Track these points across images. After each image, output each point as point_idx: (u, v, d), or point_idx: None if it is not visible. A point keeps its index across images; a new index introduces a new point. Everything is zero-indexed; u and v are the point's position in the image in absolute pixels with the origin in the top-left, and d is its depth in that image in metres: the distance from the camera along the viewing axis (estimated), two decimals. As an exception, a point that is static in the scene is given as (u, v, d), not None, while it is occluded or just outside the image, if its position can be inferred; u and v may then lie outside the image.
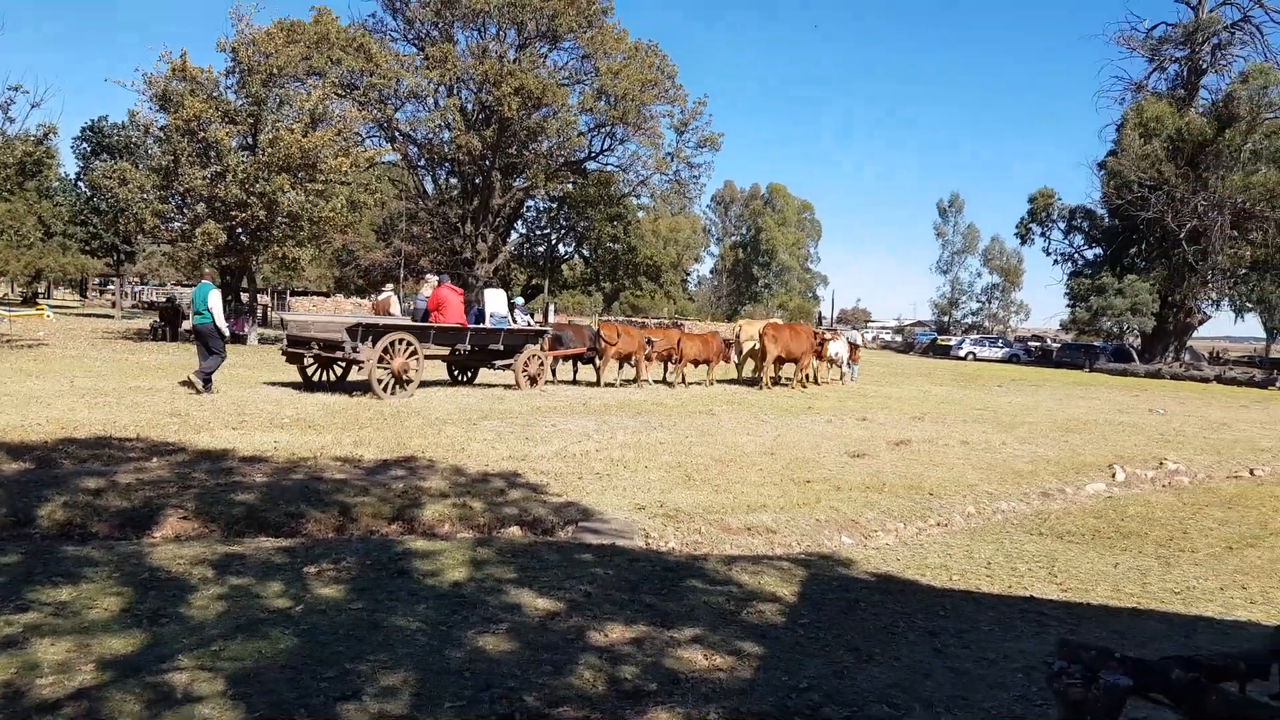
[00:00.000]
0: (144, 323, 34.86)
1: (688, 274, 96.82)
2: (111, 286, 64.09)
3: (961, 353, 57.19)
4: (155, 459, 8.36)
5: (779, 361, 22.52)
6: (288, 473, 8.11)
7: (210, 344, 14.32)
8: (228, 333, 14.59)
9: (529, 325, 18.81)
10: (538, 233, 55.12)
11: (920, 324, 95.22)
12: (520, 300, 20.18)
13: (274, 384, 15.91)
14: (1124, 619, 5.86)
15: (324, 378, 16.34)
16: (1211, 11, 48.55)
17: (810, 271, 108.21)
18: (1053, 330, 75.98)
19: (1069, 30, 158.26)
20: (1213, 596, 6.57)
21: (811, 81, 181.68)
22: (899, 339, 75.79)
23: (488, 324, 17.57)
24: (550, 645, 4.33)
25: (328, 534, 6.71)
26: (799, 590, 5.66)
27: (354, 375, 16.42)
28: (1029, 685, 4.34)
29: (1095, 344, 52.00)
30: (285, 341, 15.81)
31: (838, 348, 25.63)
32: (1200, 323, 50.66)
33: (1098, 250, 52.84)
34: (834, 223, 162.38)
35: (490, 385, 18.27)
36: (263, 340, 28.18)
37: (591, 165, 44.69)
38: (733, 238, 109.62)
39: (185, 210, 27.01)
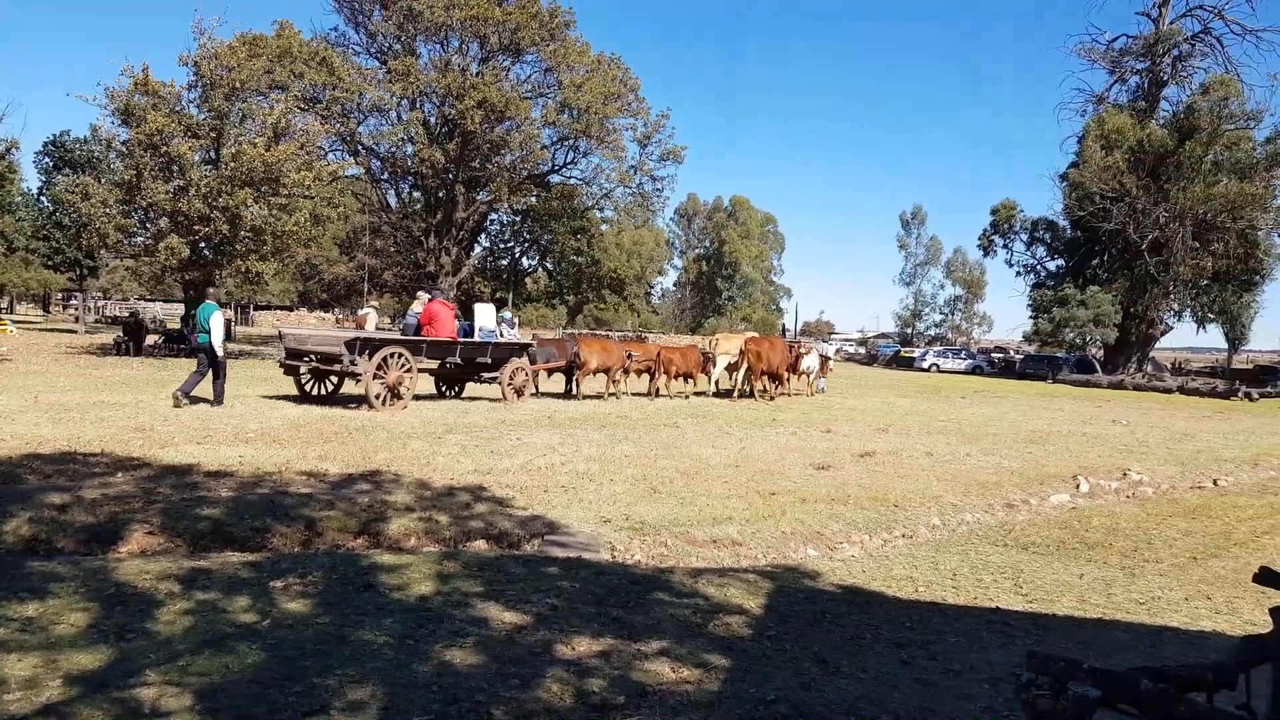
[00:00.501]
0: (107, 337, 34.40)
1: (651, 287, 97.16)
2: (75, 301, 63.14)
3: (925, 364, 57.77)
4: (121, 474, 8.29)
5: (762, 375, 22.99)
6: (253, 487, 8.07)
7: (203, 362, 14.95)
8: (221, 353, 15.01)
9: (515, 339, 19.33)
10: (501, 246, 54.99)
11: (884, 336, 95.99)
12: (508, 314, 20.65)
13: (246, 397, 15.79)
14: (1090, 630, 5.97)
15: (318, 391, 16.87)
16: (1172, 23, 49.38)
17: (774, 284, 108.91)
18: (1016, 342, 76.90)
19: (1031, 42, 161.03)
20: (1178, 607, 6.69)
21: (775, 94, 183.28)
22: (862, 351, 76.48)
23: (476, 338, 18.06)
24: (517, 659, 4.37)
25: (293, 548, 6.69)
26: (765, 602, 5.73)
27: (345, 388, 17.03)
28: (996, 696, 4.43)
29: (1058, 355, 52.68)
30: (283, 354, 16.33)
31: (810, 361, 26.09)
32: (1163, 333, 51.46)
33: (1060, 262, 53.63)
34: (797, 236, 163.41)
35: (456, 399, 18.25)
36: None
37: (555, 178, 44.76)
38: (696, 250, 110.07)
39: (148, 225, 26.76)
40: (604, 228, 59.92)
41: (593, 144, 41.24)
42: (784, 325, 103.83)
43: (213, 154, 26.62)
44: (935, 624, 5.74)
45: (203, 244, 26.44)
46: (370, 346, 15.43)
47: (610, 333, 71.44)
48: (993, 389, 36.85)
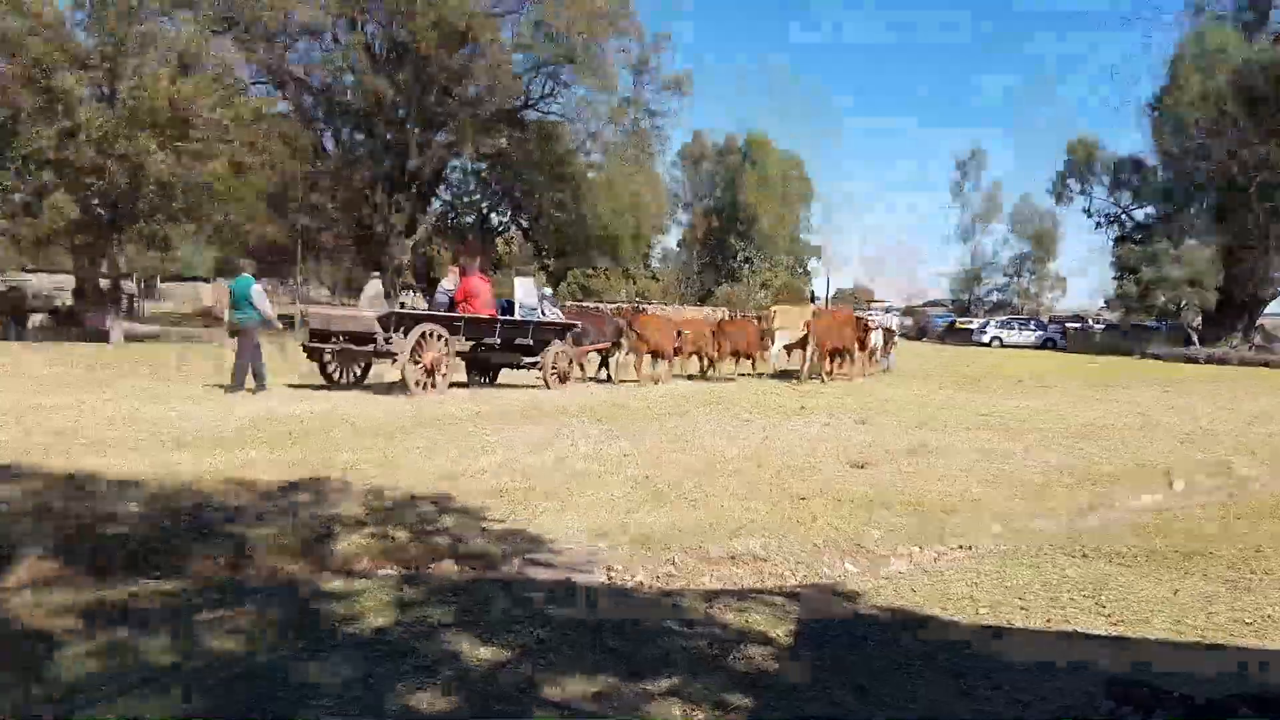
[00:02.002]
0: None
1: (651, 247, 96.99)
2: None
3: (985, 338, 57.92)
4: (7, 485, 8.32)
5: (830, 355, 24.32)
6: (174, 500, 8.13)
7: (245, 344, 16.41)
8: (278, 325, 16.55)
9: (557, 318, 20.80)
10: (465, 200, 54.97)
11: (935, 304, 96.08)
12: (549, 291, 22.12)
13: (196, 394, 15.82)
14: (1184, 654, 6.01)
15: (345, 377, 18.06)
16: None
17: (799, 242, 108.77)
18: (1095, 308, 77.04)
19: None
20: (1293, 626, 6.74)
21: (797, 12, 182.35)
22: (909, 322, 76.55)
23: (517, 315, 19.29)
24: (498, 699, 4.41)
25: (222, 574, 6.73)
26: (795, 629, 5.77)
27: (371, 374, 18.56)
28: (1070, 731, 4.48)
29: (1147, 324, 52.76)
30: (307, 336, 17.66)
31: (877, 336, 27.28)
32: (1273, 297, 51.47)
33: (1149, 210, 53.67)
34: (828, 184, 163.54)
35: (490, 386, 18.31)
36: (129, 338, 27.89)
37: (530, 115, 44.70)
38: (705, 202, 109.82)
39: (27, 178, 26.66)
40: (592, 176, 59.79)
41: (576, 72, 41.07)
42: (812, 292, 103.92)
43: (107, 90, 26.52)
44: (1000, 649, 5.79)
45: (96, 202, 26.38)
46: (406, 323, 16.67)
47: (601, 304, 71.31)
48: (1066, 367, 36.92)
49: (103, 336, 26.79)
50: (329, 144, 44.29)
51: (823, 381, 23.83)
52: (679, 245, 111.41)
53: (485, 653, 5.01)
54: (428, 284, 54.18)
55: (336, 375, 17.96)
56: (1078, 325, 63.03)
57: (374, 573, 6.86)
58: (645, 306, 58.62)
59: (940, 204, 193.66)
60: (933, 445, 14.13)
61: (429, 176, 45.40)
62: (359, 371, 18.39)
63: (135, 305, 42.04)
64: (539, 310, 20.02)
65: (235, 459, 10.17)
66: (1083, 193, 56.94)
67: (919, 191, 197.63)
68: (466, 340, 18.42)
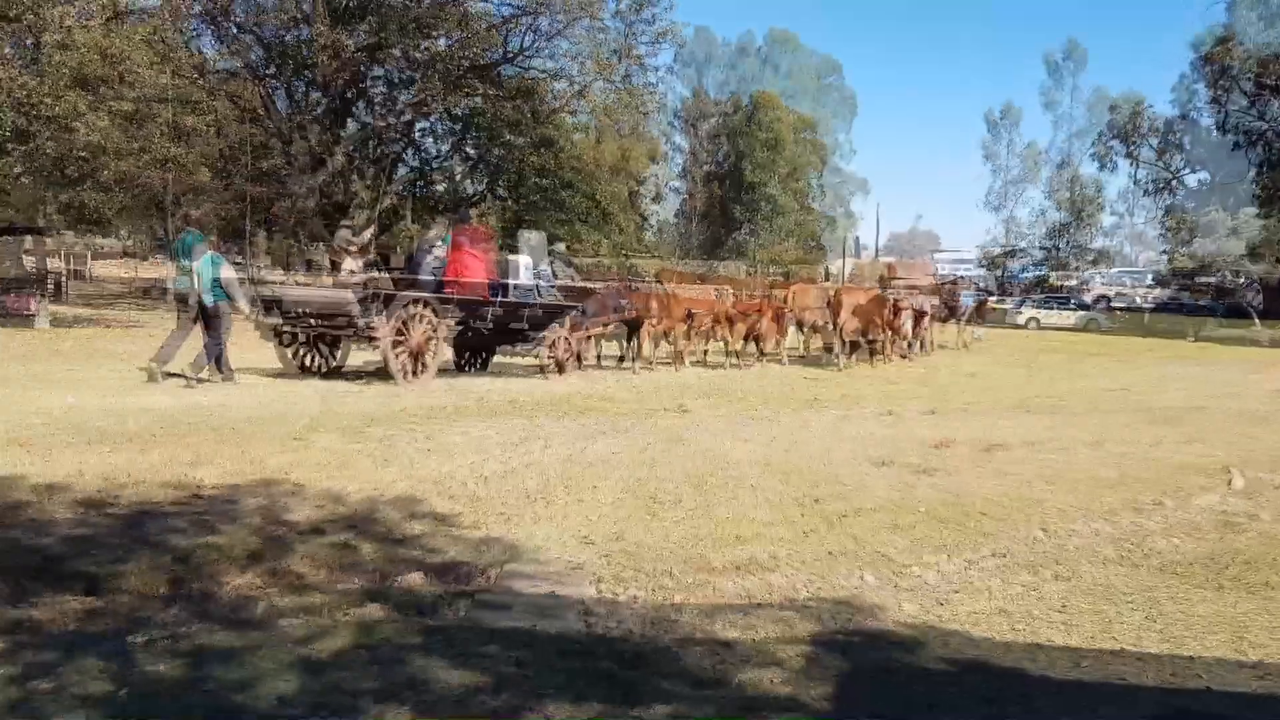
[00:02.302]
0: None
1: (645, 218, 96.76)
2: None
3: (1021, 318, 57.96)
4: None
5: (856, 334, 24.81)
6: (103, 507, 8.09)
7: (213, 325, 16.34)
8: (246, 307, 16.95)
9: (554, 299, 20.59)
10: (435, 166, 54.83)
11: (1017, 254, 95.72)
12: (561, 247, 22.74)
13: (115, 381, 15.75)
14: (1247, 678, 6.00)
15: (316, 364, 18.07)
16: None
17: (812, 212, 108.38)
18: (1144, 285, 77.11)
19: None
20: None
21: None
22: (935, 301, 76.42)
23: (521, 275, 19.45)
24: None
25: (159, 590, 6.69)
26: (807, 650, 5.76)
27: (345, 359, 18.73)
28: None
29: (1201, 302, 52.84)
30: (268, 317, 17.49)
31: (907, 318, 27.61)
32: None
33: (1203, 175, 53.68)
34: (873, 97, 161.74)
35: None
36: (56, 322, 27.80)
37: (508, 71, 44.41)
38: (706, 167, 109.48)
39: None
40: (578, 138, 59.69)
41: (559, 21, 40.88)
42: (826, 269, 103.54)
43: (30, 44, 26.37)
44: (1036, 670, 5.78)
45: (19, 170, 26.27)
46: (388, 301, 16.54)
47: (589, 281, 71.17)
48: (1111, 349, 36.98)
49: (27, 321, 26.68)
50: (282, 104, 44.07)
51: (839, 368, 24.07)
52: (676, 216, 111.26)
53: (457, 677, 4.98)
54: (395, 258, 54.24)
55: (310, 363, 17.98)
56: (1124, 303, 63.06)
57: (332, 587, 6.82)
58: (637, 284, 58.62)
59: (971, 167, 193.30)
60: (982, 434, 14.14)
61: (395, 140, 45.22)
62: (333, 359, 18.44)
63: (64, 287, 41.90)
64: (550, 271, 20.50)
65: (175, 457, 10.10)
66: (1129, 156, 56.86)
67: (950, 150, 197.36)
68: (458, 320, 18.31)
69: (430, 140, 53.75)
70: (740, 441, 12.78)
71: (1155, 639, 6.61)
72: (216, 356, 16.35)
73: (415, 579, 7.16)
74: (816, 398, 18.04)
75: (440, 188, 54.88)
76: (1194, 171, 54.87)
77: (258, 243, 46.18)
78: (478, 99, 45.27)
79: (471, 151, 53.23)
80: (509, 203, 55.59)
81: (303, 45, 39.45)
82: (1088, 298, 60.42)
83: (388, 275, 19.70)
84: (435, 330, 17.13)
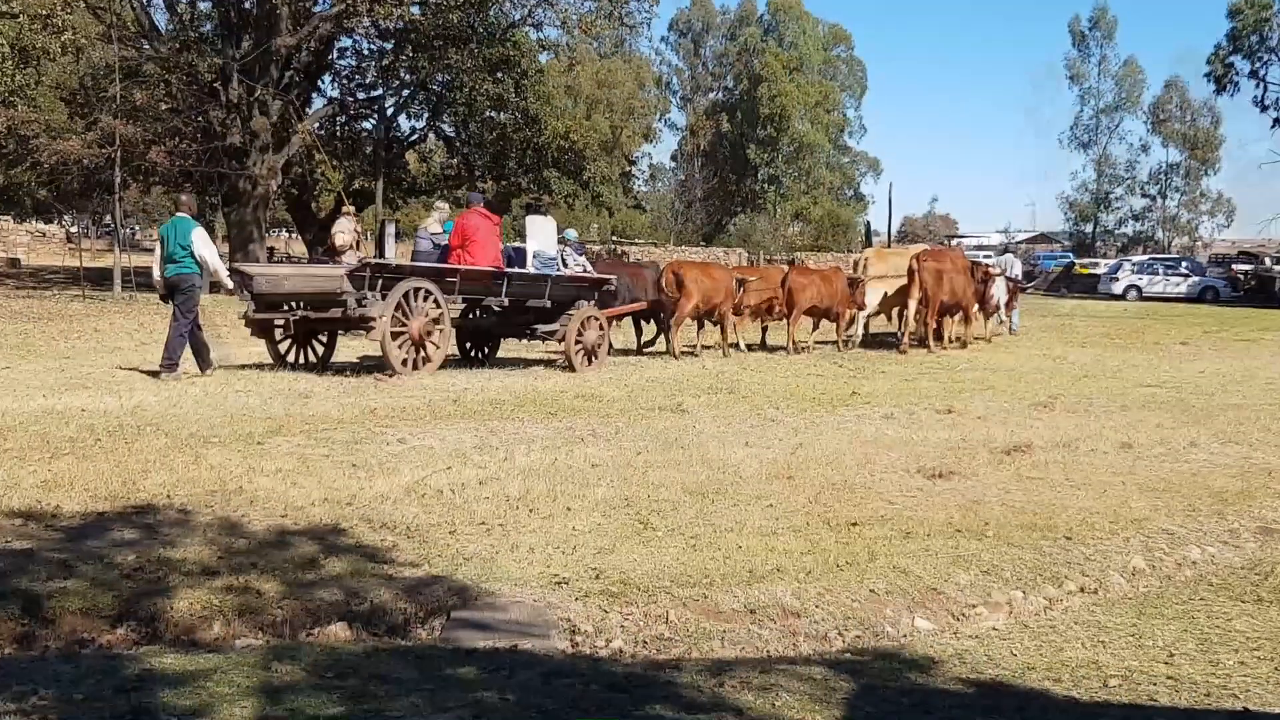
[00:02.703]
0: None
1: (633, 163, 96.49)
2: None
3: (1118, 287, 57.91)
4: None
5: (942, 310, 26.02)
6: (43, 519, 8.30)
7: (184, 305, 17.56)
8: (229, 282, 18.30)
9: (585, 270, 22.30)
10: (361, 97, 54.54)
11: (1044, 239, 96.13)
12: (572, 234, 23.72)
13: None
14: None
15: (302, 356, 19.33)
16: None
17: (849, 152, 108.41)
18: (1275, 243, 77.08)
19: None
20: None
21: None
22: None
23: (531, 268, 20.36)
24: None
25: (4, 648, 6.69)
26: (842, 715, 5.76)
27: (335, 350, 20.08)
28: None
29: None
30: (251, 306, 18.26)
31: (999, 287, 28.99)
32: None
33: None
34: (884, 73, 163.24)
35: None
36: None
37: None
38: (711, 95, 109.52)
39: None
40: (545, 59, 59.39)
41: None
42: (868, 223, 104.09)
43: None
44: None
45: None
46: (384, 279, 17.50)
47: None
48: (1235, 324, 37.09)
49: None
50: (160, 19, 43.98)
51: (930, 350, 25.30)
52: (674, 160, 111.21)
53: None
54: (310, 221, 54.04)
55: (292, 354, 19.09)
56: (1250, 267, 62.99)
57: (229, 643, 6.83)
58: (625, 251, 58.39)
59: (1048, 99, 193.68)
60: (1065, 436, 14.17)
61: (308, 64, 45.10)
62: (320, 350, 19.66)
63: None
64: (559, 260, 21.11)
65: (122, 464, 10.34)
66: (1254, 75, 56.83)
67: (1021, 81, 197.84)
68: (463, 299, 19.22)
69: (351, 63, 53.54)
70: (755, 451, 12.78)
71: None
72: (181, 343, 17.47)
73: (338, 631, 7.17)
74: (855, 393, 18.05)
75: (367, 125, 54.60)
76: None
77: (130, 198, 45.82)
78: (414, 9, 45.04)
79: (407, 77, 52.88)
80: (458, 144, 55.25)
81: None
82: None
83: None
84: (440, 315, 18.04)
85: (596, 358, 20.69)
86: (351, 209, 26.00)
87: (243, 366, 18.93)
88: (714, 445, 12.99)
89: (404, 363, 17.52)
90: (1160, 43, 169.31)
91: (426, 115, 55.99)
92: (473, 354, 21.75)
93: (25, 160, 41.00)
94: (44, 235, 78.29)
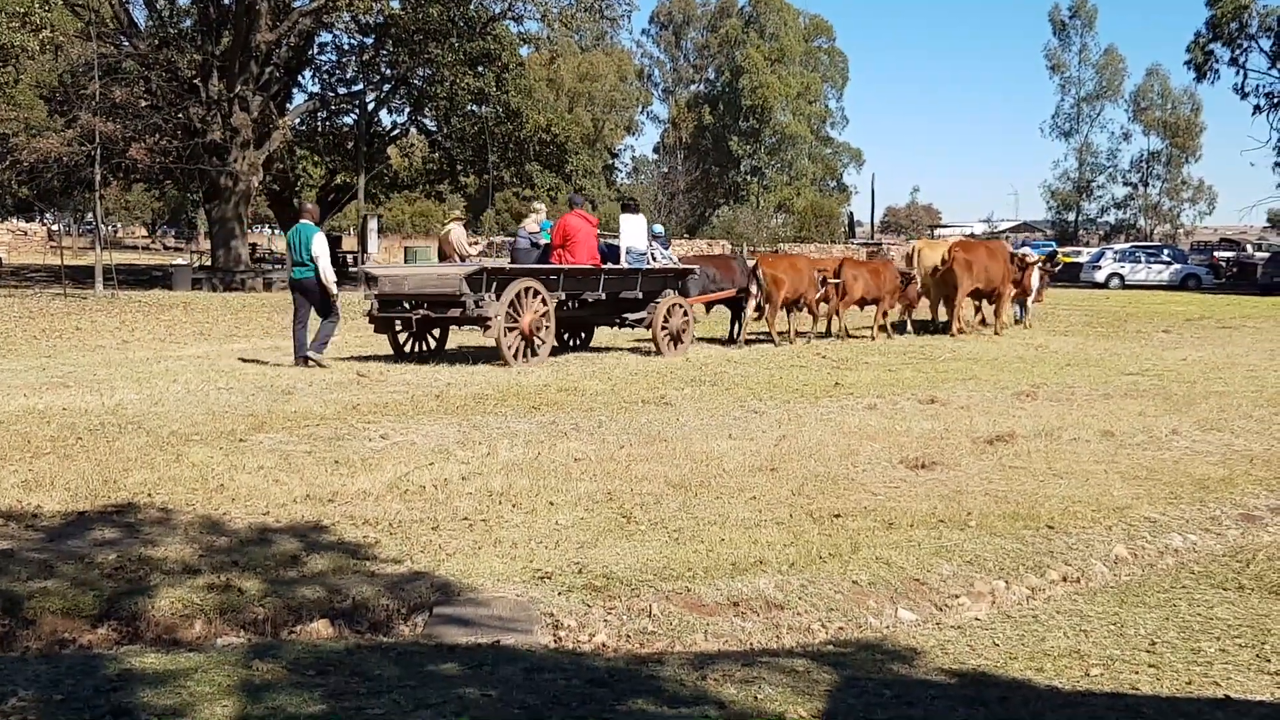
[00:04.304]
0: None
1: (616, 155, 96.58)
2: None
3: (1100, 275, 57.98)
4: None
5: (974, 296, 27.80)
6: (24, 519, 8.29)
7: (317, 304, 19.25)
8: (335, 289, 19.57)
9: (670, 262, 24.03)
10: (341, 92, 54.46)
11: (1027, 228, 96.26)
12: (660, 229, 25.20)
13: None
14: (1268, 685, 6.06)
15: (418, 348, 21.16)
16: None
17: (831, 143, 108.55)
18: (1256, 230, 77.28)
19: None
20: None
21: None
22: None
23: (624, 262, 22.22)
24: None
25: (85, 609, 6.70)
26: (824, 708, 5.76)
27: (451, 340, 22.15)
28: None
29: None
30: (375, 305, 20.26)
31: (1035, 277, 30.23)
32: None
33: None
34: (865, 65, 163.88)
35: (261, 362, 18.36)
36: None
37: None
38: (693, 87, 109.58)
39: None
40: (526, 53, 59.35)
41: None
42: (851, 214, 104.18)
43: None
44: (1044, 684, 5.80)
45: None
46: (499, 281, 19.13)
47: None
48: (1217, 313, 37.16)
49: None
50: (140, 16, 43.86)
51: (956, 335, 26.84)
52: (656, 152, 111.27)
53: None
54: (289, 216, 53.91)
55: (409, 347, 20.86)
56: (1231, 254, 63.08)
57: (210, 642, 6.81)
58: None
59: (1030, 86, 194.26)
60: (1048, 425, 14.20)
61: (287, 59, 44.99)
62: (432, 342, 21.50)
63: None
64: (649, 254, 22.84)
65: (104, 463, 10.35)
66: (1234, 63, 56.93)
67: (1003, 67, 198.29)
68: (565, 295, 20.96)
69: (331, 58, 53.46)
70: (738, 443, 12.79)
71: (1270, 683, 6.64)
72: (304, 335, 19.16)
73: (320, 628, 7.15)
74: (838, 384, 18.06)
75: (348, 120, 54.51)
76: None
77: (111, 195, 45.70)
78: (394, 2, 45.00)
79: (388, 71, 52.80)
80: (439, 139, 55.15)
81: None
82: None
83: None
84: (547, 309, 19.76)
85: (681, 342, 22.39)
86: (460, 215, 26.84)
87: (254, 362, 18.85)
88: (697, 438, 13.00)
89: (515, 355, 19.05)
90: (1141, 31, 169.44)
91: (408, 110, 55.95)
92: (569, 342, 23.35)
93: (5, 158, 40.90)
94: (25, 233, 78.13)
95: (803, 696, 5.88)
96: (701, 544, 8.75)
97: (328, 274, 19.19)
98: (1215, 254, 64.92)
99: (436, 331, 21.44)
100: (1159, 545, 9.71)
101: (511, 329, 19.05)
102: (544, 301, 19.64)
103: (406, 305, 20.01)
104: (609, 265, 21.77)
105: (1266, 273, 53.69)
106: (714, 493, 10.37)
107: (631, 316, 22.36)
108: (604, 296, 21.69)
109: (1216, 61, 57.32)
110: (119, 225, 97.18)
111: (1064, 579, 8.78)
